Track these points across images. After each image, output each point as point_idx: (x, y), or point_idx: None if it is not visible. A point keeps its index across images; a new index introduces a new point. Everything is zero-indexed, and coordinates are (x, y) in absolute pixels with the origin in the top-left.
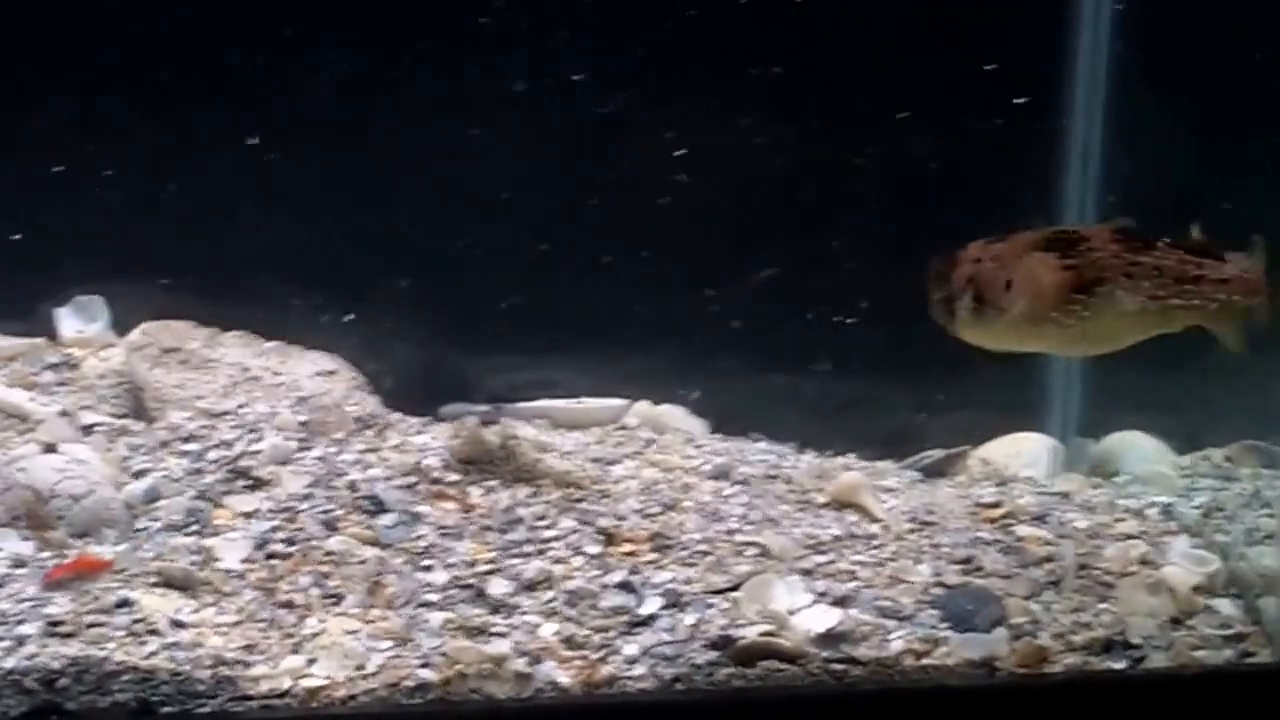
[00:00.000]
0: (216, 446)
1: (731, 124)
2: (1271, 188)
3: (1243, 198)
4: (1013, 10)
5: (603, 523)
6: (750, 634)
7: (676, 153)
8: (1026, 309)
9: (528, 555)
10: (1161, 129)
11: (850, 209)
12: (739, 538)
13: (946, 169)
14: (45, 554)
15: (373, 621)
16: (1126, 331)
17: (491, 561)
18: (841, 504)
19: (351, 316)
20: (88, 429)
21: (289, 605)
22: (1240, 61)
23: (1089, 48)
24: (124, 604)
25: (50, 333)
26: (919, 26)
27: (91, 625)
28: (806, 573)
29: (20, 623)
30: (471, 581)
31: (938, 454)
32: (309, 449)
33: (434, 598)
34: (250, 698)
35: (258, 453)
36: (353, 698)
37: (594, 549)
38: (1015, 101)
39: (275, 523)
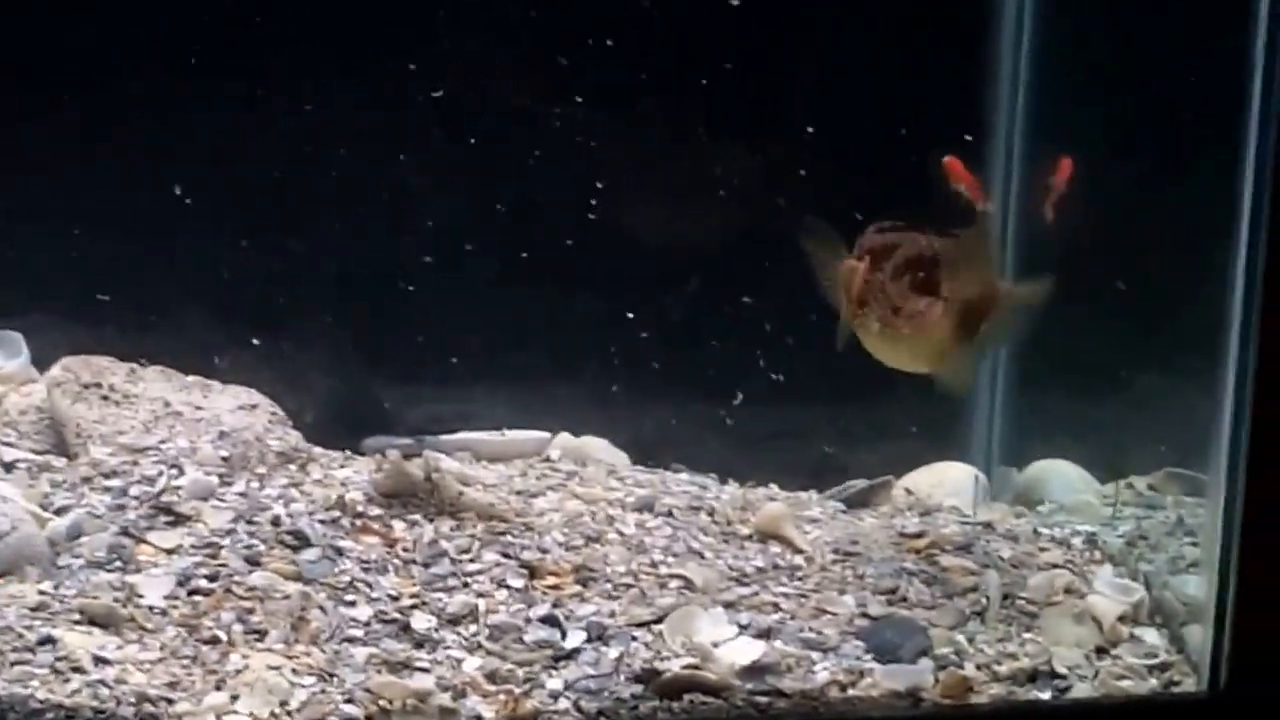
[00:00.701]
0: (139, 482)
1: (650, 152)
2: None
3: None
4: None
5: (526, 556)
6: (675, 667)
7: (597, 184)
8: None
9: (452, 589)
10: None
11: (771, 237)
12: (663, 570)
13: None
14: None
15: (296, 657)
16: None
17: (415, 596)
18: (765, 535)
19: (271, 350)
20: (9, 466)
21: (212, 641)
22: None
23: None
24: (47, 641)
25: None
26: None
27: (15, 663)
28: (730, 605)
29: None
30: (395, 616)
31: (861, 484)
32: (231, 484)
33: (358, 633)
34: None
35: (180, 488)
36: None
37: (518, 582)
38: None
39: (198, 558)
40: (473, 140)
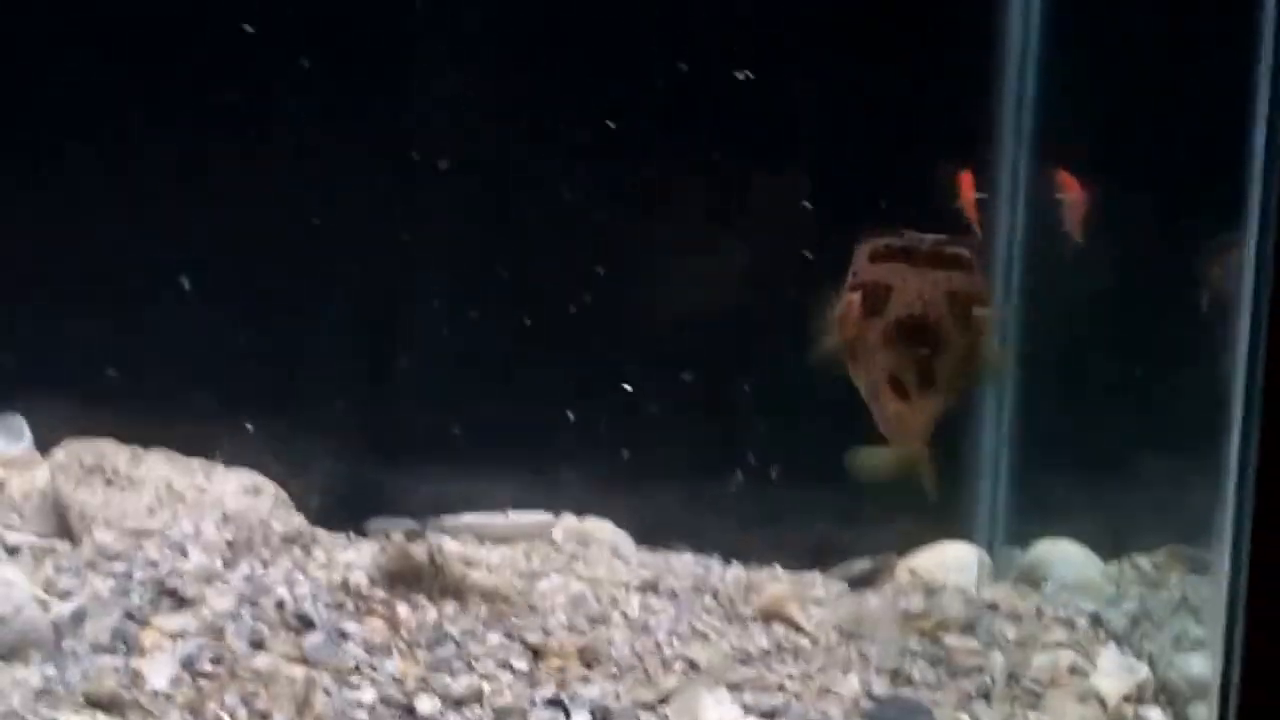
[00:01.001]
0: (142, 566)
1: (648, 230)
2: None
3: None
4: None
5: (530, 637)
6: None
7: (596, 266)
8: None
9: (456, 671)
10: None
11: (773, 315)
12: (667, 651)
13: None
14: None
15: None
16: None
17: (420, 678)
18: (769, 616)
19: (275, 432)
20: (12, 550)
21: None
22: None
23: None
24: None
25: None
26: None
27: None
28: (735, 686)
29: None
30: (400, 699)
31: (864, 564)
32: (235, 567)
33: (363, 716)
34: None
35: (184, 572)
36: None
37: (522, 664)
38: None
39: (202, 642)
40: (473, 222)
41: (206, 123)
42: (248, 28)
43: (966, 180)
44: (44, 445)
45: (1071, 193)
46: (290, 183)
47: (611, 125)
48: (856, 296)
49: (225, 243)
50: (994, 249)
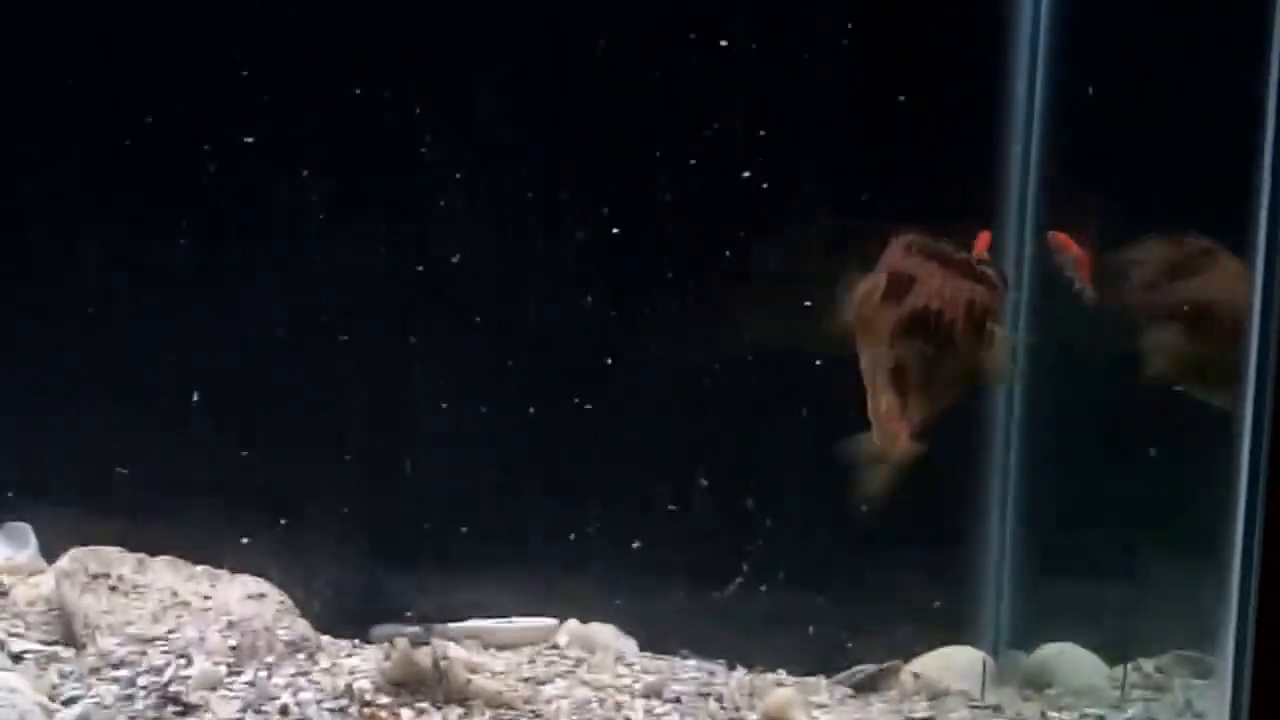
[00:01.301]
0: (147, 672)
1: (649, 336)
2: None
3: None
4: None
5: None
6: None
7: (600, 369)
8: None
9: None
10: None
11: (777, 424)
12: None
13: None
14: None
15: None
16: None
17: None
18: None
19: (280, 539)
20: (17, 657)
21: None
22: None
23: None
24: None
25: None
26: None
27: None
28: None
29: None
30: None
31: (869, 669)
32: (239, 673)
33: None
34: None
35: (188, 678)
36: None
37: None
38: None
39: None
40: (474, 330)
41: (211, 233)
42: (248, 139)
43: (984, 239)
44: (50, 553)
45: (1071, 251)
46: (294, 289)
47: (616, 231)
48: (882, 279)
49: (229, 351)
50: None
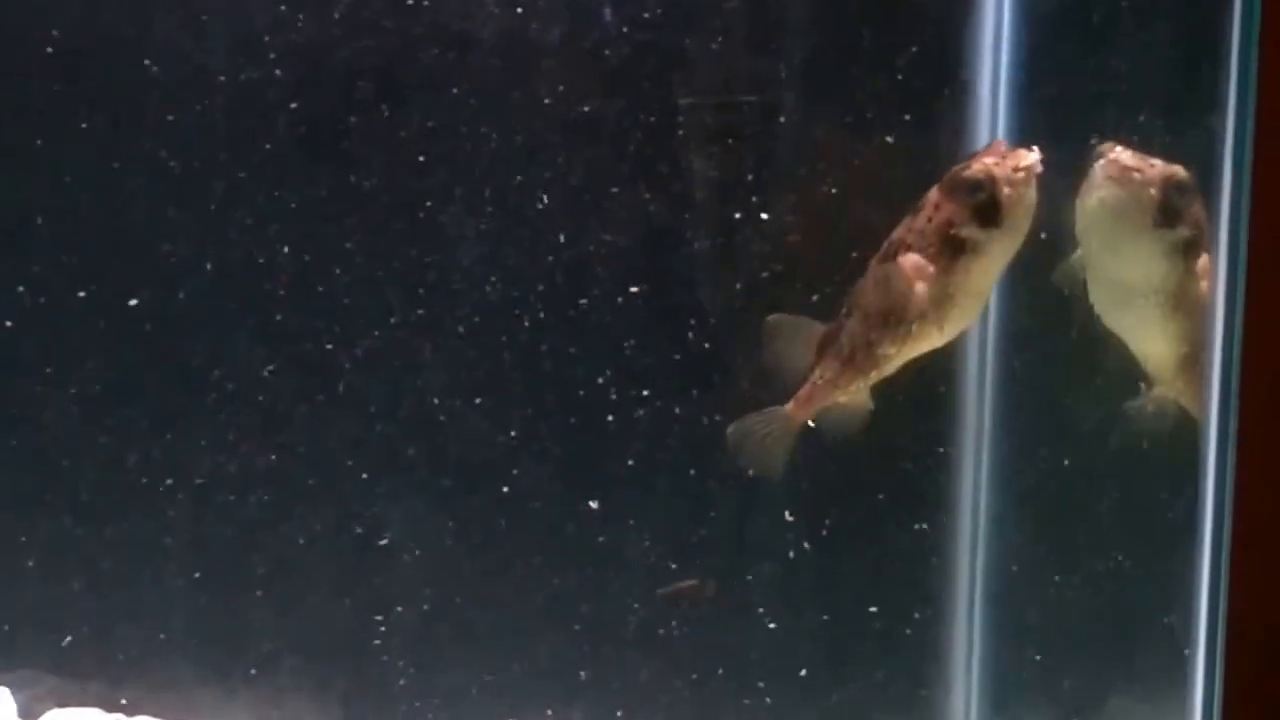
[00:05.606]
0: None
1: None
2: None
3: None
4: None
5: None
6: None
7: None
8: None
9: None
10: None
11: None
12: None
13: None
14: None
15: None
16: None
17: None
18: None
19: (256, 690)
20: None
21: None
22: None
23: None
24: None
25: None
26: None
27: None
28: None
29: None
30: None
31: None
32: None
33: None
34: None
35: None
36: None
37: None
38: None
39: None
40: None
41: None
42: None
43: None
44: (30, 717)
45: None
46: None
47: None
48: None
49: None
50: None
